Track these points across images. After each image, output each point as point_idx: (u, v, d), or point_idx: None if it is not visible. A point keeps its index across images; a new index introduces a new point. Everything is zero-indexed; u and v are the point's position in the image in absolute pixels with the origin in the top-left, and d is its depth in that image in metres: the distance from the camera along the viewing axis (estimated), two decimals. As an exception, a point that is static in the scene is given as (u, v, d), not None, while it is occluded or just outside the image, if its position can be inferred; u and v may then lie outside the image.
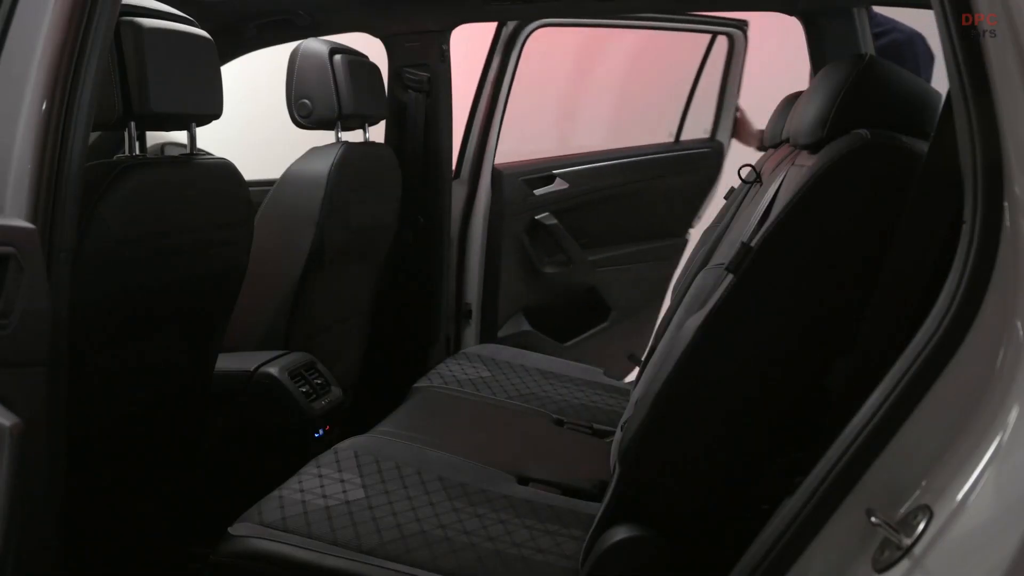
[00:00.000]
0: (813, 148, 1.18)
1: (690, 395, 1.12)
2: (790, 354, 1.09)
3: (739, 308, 1.09)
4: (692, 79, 3.02)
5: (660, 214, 2.97)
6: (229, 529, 1.30)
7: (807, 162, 1.18)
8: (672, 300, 1.99)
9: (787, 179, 1.29)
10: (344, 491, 1.40)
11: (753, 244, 1.10)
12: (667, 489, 1.14)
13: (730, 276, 1.10)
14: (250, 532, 1.28)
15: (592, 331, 2.98)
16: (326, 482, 1.43)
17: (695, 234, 2.99)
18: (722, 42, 2.94)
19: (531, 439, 1.78)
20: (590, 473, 1.61)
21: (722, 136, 3.02)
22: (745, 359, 1.10)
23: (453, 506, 1.38)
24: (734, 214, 1.85)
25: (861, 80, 1.13)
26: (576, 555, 1.28)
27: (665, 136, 3.03)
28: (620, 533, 1.13)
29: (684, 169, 2.98)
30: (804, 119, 1.21)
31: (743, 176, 1.85)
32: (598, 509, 1.41)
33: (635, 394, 1.52)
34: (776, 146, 2.00)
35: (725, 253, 1.44)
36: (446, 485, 1.45)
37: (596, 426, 1.89)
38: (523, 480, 1.55)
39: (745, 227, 1.37)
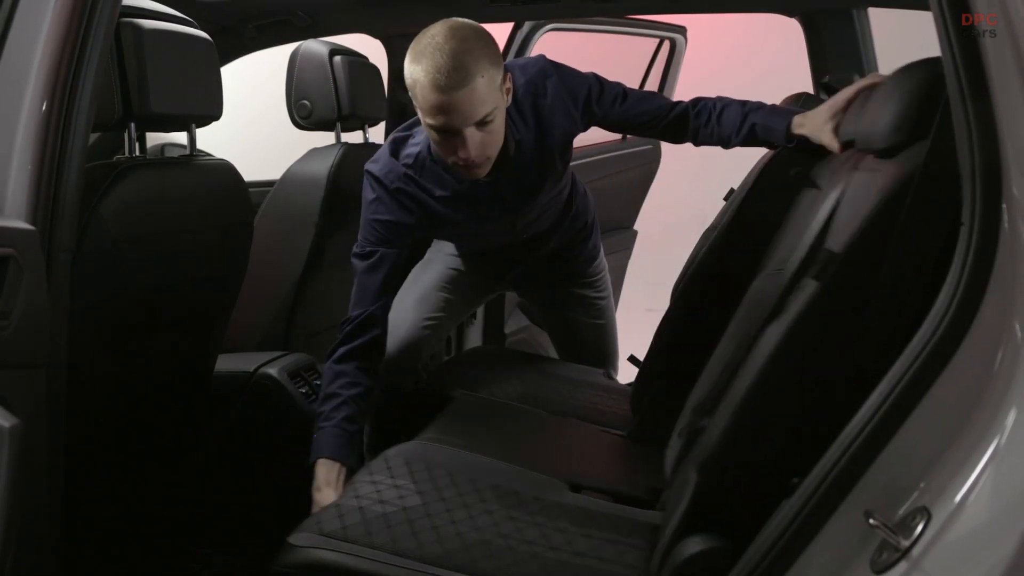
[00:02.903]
0: (885, 153, 1.14)
1: (774, 401, 1.10)
2: (872, 357, 1.07)
3: (825, 314, 1.07)
4: (639, 80, 3.10)
5: (612, 208, 3.05)
6: (289, 539, 1.26)
7: (877, 167, 1.14)
8: (672, 300, 1.99)
9: (855, 184, 1.25)
10: (400, 497, 1.36)
11: (837, 251, 1.07)
12: (743, 496, 1.13)
13: (812, 282, 1.08)
14: (310, 542, 1.25)
15: None
16: (381, 488, 1.39)
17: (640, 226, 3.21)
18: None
19: (576, 444, 1.77)
20: (640, 480, 1.59)
21: None
22: (828, 364, 1.08)
23: (510, 514, 1.35)
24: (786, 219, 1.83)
25: (942, 83, 1.10)
26: (638, 565, 1.25)
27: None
28: (696, 544, 1.11)
29: (631, 164, 3.07)
30: (878, 123, 1.17)
31: (794, 178, 1.79)
32: (654, 517, 1.40)
33: (692, 399, 1.49)
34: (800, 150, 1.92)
35: (783, 258, 1.40)
36: (500, 493, 1.42)
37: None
38: (575, 487, 1.52)
39: (805, 233, 1.32)
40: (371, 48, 2.53)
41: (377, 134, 2.55)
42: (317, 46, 2.26)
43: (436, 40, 1.52)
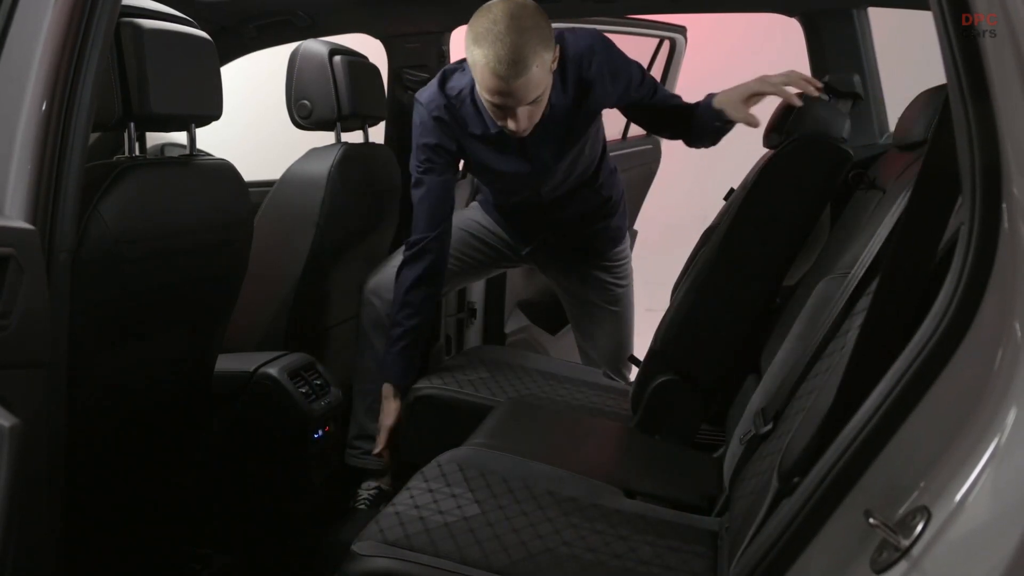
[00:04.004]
0: None
1: (857, 402, 1.09)
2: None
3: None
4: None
5: None
6: (353, 547, 1.25)
7: None
8: (673, 299, 1.99)
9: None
10: (459, 506, 1.36)
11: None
12: None
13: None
14: (375, 551, 1.24)
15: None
16: (438, 497, 1.39)
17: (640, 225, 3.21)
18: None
19: (622, 447, 1.78)
20: (693, 485, 1.60)
21: None
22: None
23: (569, 522, 1.35)
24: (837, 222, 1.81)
25: None
26: (703, 572, 1.26)
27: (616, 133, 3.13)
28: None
29: (631, 164, 3.08)
30: None
31: (851, 181, 1.79)
32: (712, 524, 1.41)
33: (753, 405, 1.48)
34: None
35: (849, 262, 1.38)
36: (557, 499, 1.41)
37: None
38: (630, 493, 1.52)
39: (873, 237, 1.30)
40: (371, 48, 2.53)
41: (377, 134, 2.55)
42: (317, 46, 2.26)
43: (497, 28, 1.63)
